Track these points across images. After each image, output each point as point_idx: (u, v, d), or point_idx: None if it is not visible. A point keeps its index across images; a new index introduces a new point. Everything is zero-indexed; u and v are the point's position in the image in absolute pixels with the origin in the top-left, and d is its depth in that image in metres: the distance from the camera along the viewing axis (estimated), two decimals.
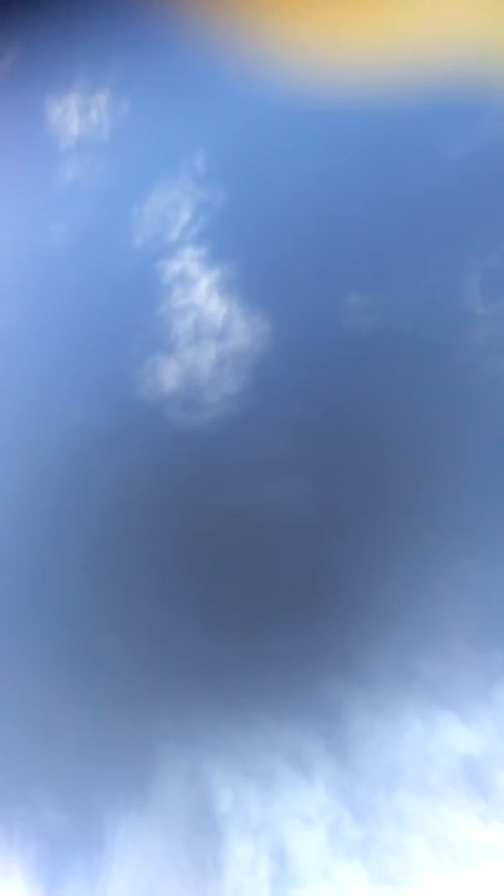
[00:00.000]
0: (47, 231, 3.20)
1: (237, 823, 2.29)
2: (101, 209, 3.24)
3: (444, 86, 2.81)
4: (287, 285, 2.97)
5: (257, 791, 2.30)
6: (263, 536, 2.58)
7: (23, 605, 2.57)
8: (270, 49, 2.97)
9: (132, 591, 2.54)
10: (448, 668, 2.38)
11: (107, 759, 2.33)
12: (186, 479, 2.72)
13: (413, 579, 2.48)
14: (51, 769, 2.34)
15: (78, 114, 3.33)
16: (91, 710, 2.39)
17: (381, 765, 2.30)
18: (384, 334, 2.82)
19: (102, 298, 3.09)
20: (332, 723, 2.34)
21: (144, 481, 2.75)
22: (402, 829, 2.27)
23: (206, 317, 2.96)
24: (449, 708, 2.35)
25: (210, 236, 3.10)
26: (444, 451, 2.63)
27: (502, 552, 2.54)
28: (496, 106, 2.85)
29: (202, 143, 3.18)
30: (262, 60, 2.97)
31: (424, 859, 2.24)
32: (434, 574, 2.49)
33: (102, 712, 2.38)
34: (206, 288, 3.01)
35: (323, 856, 2.26)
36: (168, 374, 2.89)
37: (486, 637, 2.43)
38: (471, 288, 2.82)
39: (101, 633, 2.51)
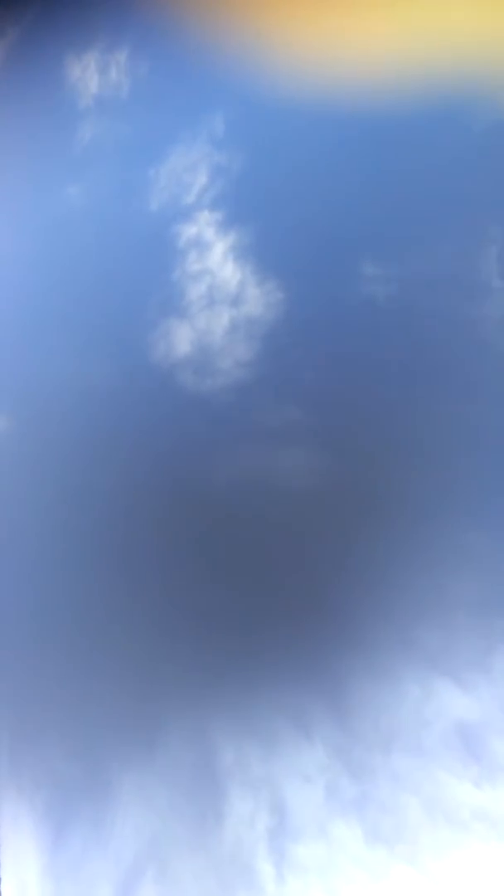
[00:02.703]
0: (64, 192, 3.21)
1: (238, 778, 2.37)
2: (118, 170, 3.24)
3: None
4: (302, 253, 2.98)
5: (259, 748, 2.38)
6: (268, 503, 2.63)
7: (32, 565, 2.62)
8: (291, 22, 2.96)
9: (138, 552, 2.60)
10: (448, 636, 2.45)
11: (115, 714, 2.41)
12: (194, 443, 2.76)
13: (417, 550, 2.53)
14: (61, 722, 2.41)
15: (97, 72, 3.32)
16: (102, 670, 2.46)
17: (380, 728, 2.38)
18: (399, 305, 2.84)
19: (117, 260, 3.11)
20: (334, 686, 2.41)
21: (153, 444, 2.79)
22: (397, 790, 2.35)
23: (220, 282, 2.99)
24: (447, 675, 2.42)
25: (226, 201, 3.11)
26: (453, 425, 2.67)
27: None
28: None
29: (221, 105, 3.18)
30: (283, 32, 2.96)
31: (418, 819, 2.32)
32: (437, 545, 2.54)
33: (113, 671, 2.45)
34: (221, 253, 3.03)
35: (320, 812, 2.34)
36: (181, 339, 2.92)
37: (485, 607, 2.49)
38: (489, 260, 2.83)
39: (109, 592, 2.57)
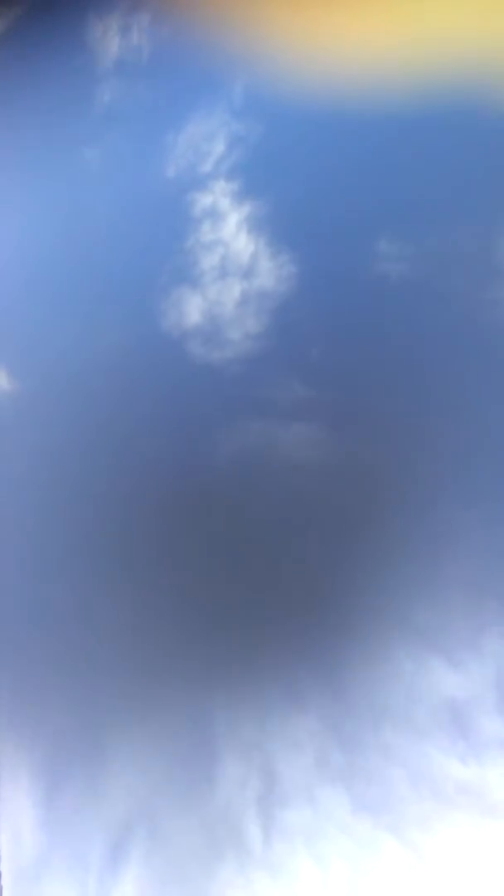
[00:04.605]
0: (81, 154, 3.21)
1: (231, 744, 2.43)
2: (135, 135, 3.24)
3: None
4: (317, 227, 2.99)
5: (252, 717, 2.43)
6: (268, 476, 2.66)
7: (32, 528, 2.66)
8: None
9: (138, 520, 2.63)
10: (441, 615, 2.49)
11: (112, 677, 2.46)
12: (199, 413, 2.78)
13: (415, 529, 2.57)
14: (59, 683, 2.47)
15: (118, 35, 3.31)
16: (101, 634, 2.51)
17: (371, 702, 2.43)
18: (413, 284, 2.85)
19: (131, 226, 3.12)
20: (328, 660, 2.46)
21: (158, 411, 2.81)
22: (385, 762, 2.40)
23: (233, 253, 3.00)
24: (440, 653, 2.47)
25: (243, 171, 3.11)
26: (459, 406, 2.69)
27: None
28: None
29: (241, 74, 3.17)
30: (309, 10, 2.95)
31: (404, 791, 2.38)
32: (436, 525, 2.58)
33: (111, 637, 2.50)
34: (236, 224, 3.03)
35: (309, 780, 2.40)
36: (192, 309, 2.94)
37: (480, 588, 2.53)
38: None
39: (109, 558, 2.61)
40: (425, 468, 2.66)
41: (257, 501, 2.65)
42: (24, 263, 3.03)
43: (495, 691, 2.44)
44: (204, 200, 3.08)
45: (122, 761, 2.40)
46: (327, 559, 2.55)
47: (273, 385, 2.79)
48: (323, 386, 2.77)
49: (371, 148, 2.97)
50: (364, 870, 2.33)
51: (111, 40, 3.26)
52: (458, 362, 2.76)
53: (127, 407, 2.82)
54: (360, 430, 2.70)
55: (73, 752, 2.42)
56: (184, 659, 2.46)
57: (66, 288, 3.01)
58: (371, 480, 2.64)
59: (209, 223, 3.05)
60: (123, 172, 3.16)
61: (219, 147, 3.13)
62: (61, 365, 2.87)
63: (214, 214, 3.06)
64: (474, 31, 2.87)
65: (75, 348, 2.90)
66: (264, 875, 2.32)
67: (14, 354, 2.92)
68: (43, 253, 3.05)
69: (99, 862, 2.36)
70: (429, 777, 2.38)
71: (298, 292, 2.90)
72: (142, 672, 2.46)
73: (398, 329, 2.82)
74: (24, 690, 2.48)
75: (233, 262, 2.98)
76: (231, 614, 2.51)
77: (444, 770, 2.39)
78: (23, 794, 2.41)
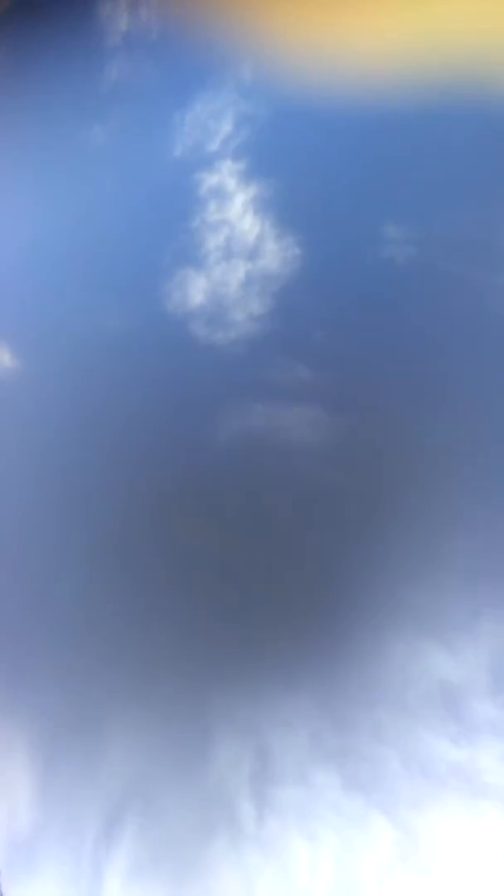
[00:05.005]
0: (88, 130, 3.20)
1: (225, 722, 2.46)
2: (142, 112, 3.23)
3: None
4: (323, 210, 2.99)
5: (247, 696, 2.46)
6: (267, 459, 2.68)
7: (33, 506, 2.69)
8: None
9: (138, 501, 2.66)
10: (437, 599, 2.52)
11: (110, 656, 2.50)
12: (201, 393, 2.80)
13: (412, 513, 2.59)
14: (58, 659, 2.50)
15: (127, 10, 3.30)
16: (100, 615, 2.54)
17: (365, 683, 2.46)
18: (419, 269, 2.85)
19: (137, 204, 3.12)
20: (322, 642, 2.49)
21: (159, 390, 2.83)
22: (377, 743, 2.44)
23: (238, 234, 3.00)
24: (434, 636, 2.50)
25: (250, 151, 3.11)
26: (462, 393, 2.70)
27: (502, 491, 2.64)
28: None
29: (250, 52, 3.16)
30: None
31: (395, 771, 2.42)
32: (433, 509, 2.60)
33: (110, 618, 2.54)
34: (242, 204, 3.03)
35: (302, 759, 2.44)
36: (196, 289, 2.94)
37: (475, 572, 2.56)
38: None
39: (108, 537, 2.64)
40: (425, 453, 2.67)
41: (257, 483, 2.67)
42: (28, 242, 3.04)
43: (488, 675, 2.47)
44: (210, 180, 3.08)
45: (118, 738, 2.44)
46: (325, 542, 2.58)
47: (276, 367, 2.80)
48: (325, 369, 2.78)
49: (379, 132, 2.96)
50: (355, 848, 2.37)
51: (120, 17, 3.25)
52: (462, 347, 2.77)
53: (129, 387, 2.84)
54: (362, 414, 2.72)
55: (70, 729, 2.46)
56: (180, 638, 2.50)
57: (70, 267, 3.02)
58: (371, 464, 2.66)
59: (215, 203, 3.05)
60: (130, 150, 3.16)
61: (226, 126, 3.13)
62: (64, 345, 2.89)
63: (220, 194, 3.06)
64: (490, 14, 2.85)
65: (78, 328, 2.92)
66: (256, 851, 2.36)
67: (18, 334, 2.94)
68: (47, 231, 3.06)
69: (93, 836, 2.40)
70: (421, 758, 2.41)
71: (303, 275, 2.91)
72: (138, 651, 2.50)
73: (402, 313, 2.83)
74: (22, 667, 2.52)
75: (238, 243, 2.98)
76: (228, 595, 2.54)
77: (436, 752, 2.42)
78: (20, 769, 2.46)
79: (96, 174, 3.15)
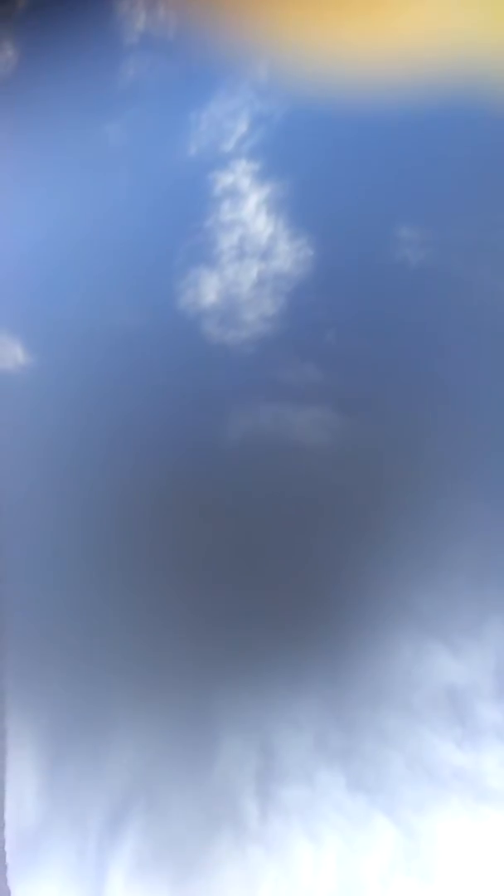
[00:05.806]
0: (103, 128, 3.21)
1: (231, 721, 2.48)
2: (158, 111, 3.23)
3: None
4: (336, 211, 2.99)
5: (253, 696, 2.48)
6: (276, 458, 2.68)
7: (42, 500, 2.70)
8: None
9: (145, 498, 2.67)
10: (443, 602, 2.52)
11: (117, 654, 2.51)
12: (212, 392, 2.80)
13: (419, 516, 2.60)
14: (66, 657, 2.52)
15: (145, 9, 3.30)
16: (107, 614, 2.55)
17: (371, 685, 2.47)
18: (431, 271, 2.84)
19: (151, 203, 3.12)
20: (329, 643, 2.50)
21: (173, 391, 2.84)
22: (382, 745, 2.45)
23: (251, 234, 3.00)
24: (440, 639, 2.50)
25: (265, 151, 3.11)
26: (471, 395, 2.70)
27: None
28: None
29: (267, 54, 3.16)
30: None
31: (399, 773, 2.42)
32: (440, 512, 2.60)
33: (117, 616, 2.55)
34: (255, 204, 3.04)
35: (307, 759, 2.45)
36: (208, 288, 2.95)
37: (482, 576, 2.56)
38: None
39: (116, 533, 2.65)
40: (433, 455, 2.67)
41: (265, 482, 2.67)
42: (43, 239, 3.05)
43: (494, 678, 2.48)
44: (225, 180, 3.08)
45: (124, 735, 2.45)
46: (331, 542, 2.58)
47: (286, 367, 2.81)
48: (336, 370, 2.79)
49: (394, 133, 2.96)
50: (358, 848, 2.38)
51: (136, 16, 3.26)
52: (473, 350, 2.77)
53: (140, 385, 2.85)
54: (371, 416, 2.72)
55: (77, 726, 2.47)
56: (187, 638, 2.51)
57: (84, 265, 3.02)
58: (379, 466, 2.66)
59: (229, 203, 3.05)
60: (145, 149, 3.17)
61: (241, 126, 3.13)
62: (77, 342, 2.90)
63: (235, 194, 3.06)
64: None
65: (91, 326, 2.92)
66: (260, 850, 2.37)
67: (32, 331, 2.95)
68: (62, 229, 3.07)
69: (98, 831, 2.42)
70: (425, 761, 2.42)
71: (315, 276, 2.91)
72: (145, 649, 2.51)
73: (413, 315, 2.83)
74: (30, 665, 2.53)
75: (251, 243, 2.99)
76: (234, 595, 2.55)
77: (441, 754, 2.43)
78: (28, 765, 2.48)
79: (111, 172, 3.15)
